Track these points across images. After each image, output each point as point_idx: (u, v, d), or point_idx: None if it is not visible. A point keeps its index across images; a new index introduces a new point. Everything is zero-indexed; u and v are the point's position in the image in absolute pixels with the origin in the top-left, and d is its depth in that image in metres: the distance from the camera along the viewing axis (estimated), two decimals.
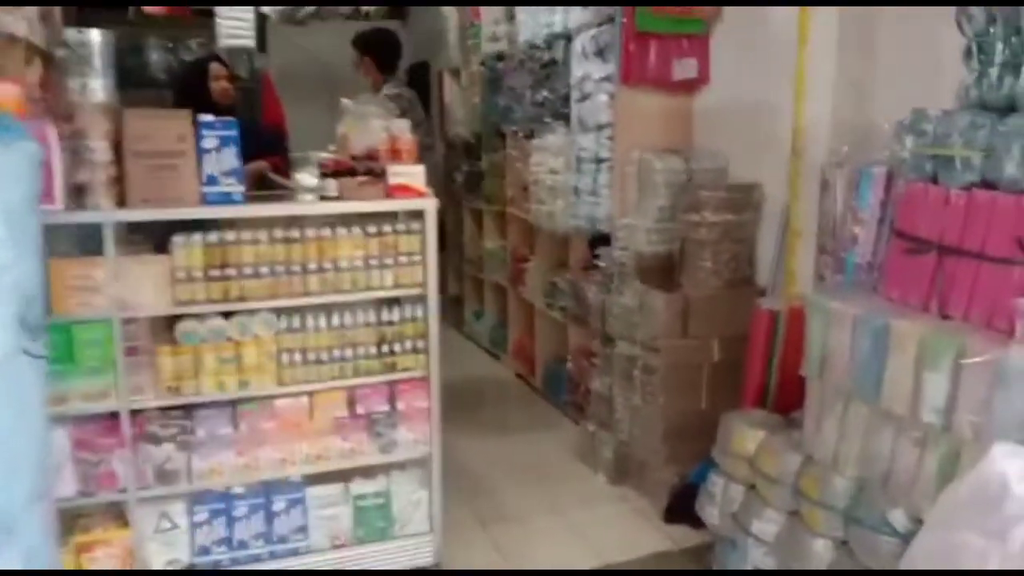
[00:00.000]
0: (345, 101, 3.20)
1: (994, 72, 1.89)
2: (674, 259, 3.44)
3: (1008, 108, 1.88)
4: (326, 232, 2.60)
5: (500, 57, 5.07)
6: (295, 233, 2.56)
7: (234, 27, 4.41)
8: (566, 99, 4.15)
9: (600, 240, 3.88)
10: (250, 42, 4.49)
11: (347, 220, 2.66)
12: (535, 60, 4.50)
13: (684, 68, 3.61)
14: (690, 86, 3.69)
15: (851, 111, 2.72)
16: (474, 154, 5.70)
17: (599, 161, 3.79)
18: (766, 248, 3.30)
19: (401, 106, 4.41)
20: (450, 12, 6.10)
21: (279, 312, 2.58)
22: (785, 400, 2.78)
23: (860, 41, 2.71)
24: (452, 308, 6.39)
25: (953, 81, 2.06)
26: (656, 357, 3.20)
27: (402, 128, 2.91)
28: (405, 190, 2.63)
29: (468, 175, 5.85)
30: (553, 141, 4.26)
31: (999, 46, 1.87)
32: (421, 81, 7.06)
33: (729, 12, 3.47)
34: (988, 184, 1.90)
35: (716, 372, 3.22)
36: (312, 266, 2.57)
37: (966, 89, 1.98)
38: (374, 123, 2.95)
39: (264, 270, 2.52)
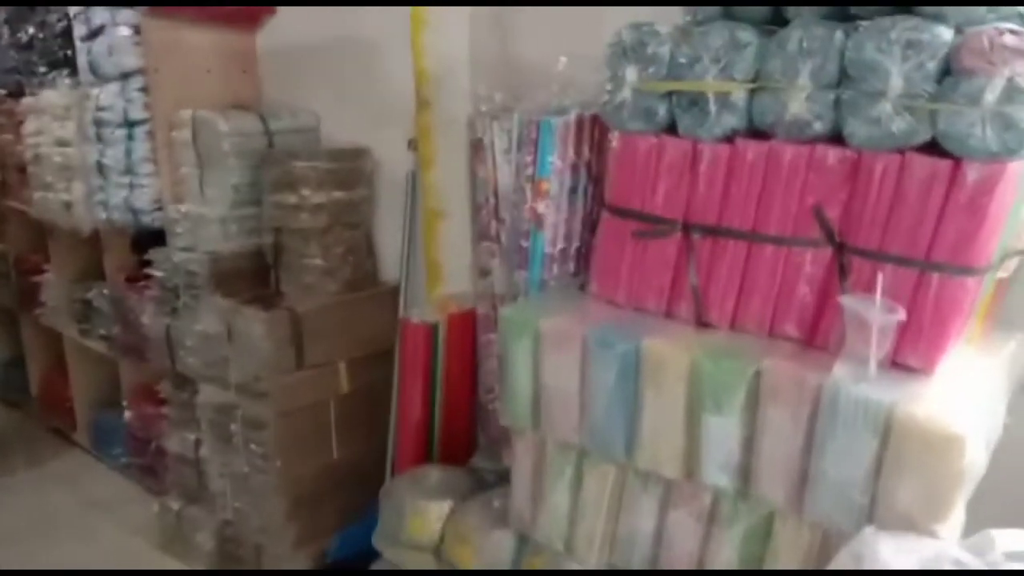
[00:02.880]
0: None
1: None
2: (265, 258, 2.47)
3: (774, 18, 1.31)
4: None
5: None
6: None
7: None
8: (67, 37, 2.85)
9: (150, 238, 2.73)
10: None
11: None
12: None
13: None
14: (251, 16, 2.69)
15: (495, 43, 2.00)
16: None
17: (131, 124, 2.60)
18: (389, 234, 2.51)
19: None
20: None
21: None
22: (458, 442, 2.06)
23: None
24: None
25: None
26: (263, 404, 2.23)
27: None
28: None
29: None
30: (55, 99, 2.92)
31: None
32: None
33: None
34: (757, 133, 1.32)
35: (347, 407, 2.37)
36: None
37: None
38: None
39: None
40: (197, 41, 2.61)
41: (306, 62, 2.65)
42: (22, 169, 3.29)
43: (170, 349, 2.54)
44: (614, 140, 1.49)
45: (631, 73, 1.40)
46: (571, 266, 1.75)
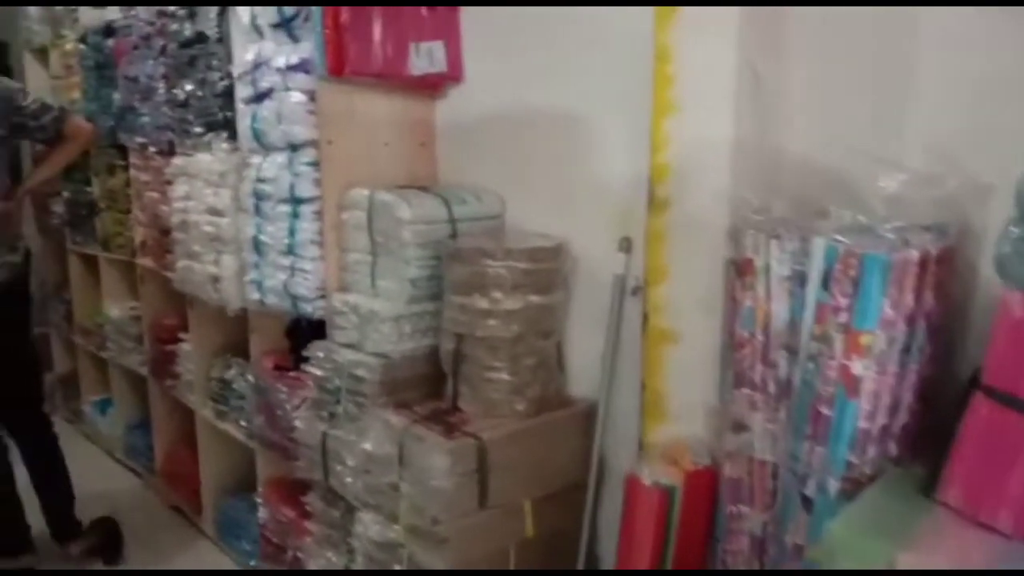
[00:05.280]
0: None
1: None
2: (442, 364, 2.12)
3: None
4: None
5: (110, 31, 3.30)
6: None
7: None
8: (228, 97, 2.61)
9: (307, 328, 2.43)
10: None
11: None
12: (169, 35, 2.86)
13: (427, 57, 2.29)
14: (433, 84, 2.39)
15: (770, 133, 1.60)
16: (79, 175, 3.82)
17: (297, 201, 2.32)
18: (582, 344, 2.13)
19: None
20: None
21: None
22: None
23: (773, 14, 1.61)
24: (64, 393, 4.42)
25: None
26: (438, 551, 1.86)
27: None
28: None
29: (72, 205, 3.94)
30: (210, 164, 2.68)
31: None
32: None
33: None
34: None
35: (529, 555, 1.98)
36: None
37: None
38: None
39: None
40: (375, 110, 2.33)
41: (490, 136, 2.33)
42: (166, 231, 3.08)
43: (324, 461, 2.21)
44: (1013, 304, 1.06)
45: None
46: (892, 447, 1.31)
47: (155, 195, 3.16)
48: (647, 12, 1.71)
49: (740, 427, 1.55)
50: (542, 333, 2.04)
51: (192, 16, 2.72)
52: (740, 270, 1.52)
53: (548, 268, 2.02)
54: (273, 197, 2.37)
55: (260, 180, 2.40)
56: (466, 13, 2.31)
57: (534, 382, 2.03)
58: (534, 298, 1.99)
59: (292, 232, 2.33)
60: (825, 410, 1.33)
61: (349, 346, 2.20)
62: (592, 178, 2.07)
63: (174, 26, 2.82)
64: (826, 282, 1.33)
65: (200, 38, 2.69)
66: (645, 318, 1.80)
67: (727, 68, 1.63)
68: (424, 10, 2.26)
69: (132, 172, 3.33)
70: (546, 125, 2.16)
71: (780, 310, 1.46)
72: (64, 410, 4.39)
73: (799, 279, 1.43)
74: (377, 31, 2.19)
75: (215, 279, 2.71)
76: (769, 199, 1.52)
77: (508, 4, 2.19)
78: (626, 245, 1.97)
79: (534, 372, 2.03)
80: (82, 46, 3.52)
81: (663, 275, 1.75)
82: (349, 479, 2.11)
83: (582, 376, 2.15)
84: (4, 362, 2.77)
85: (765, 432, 1.51)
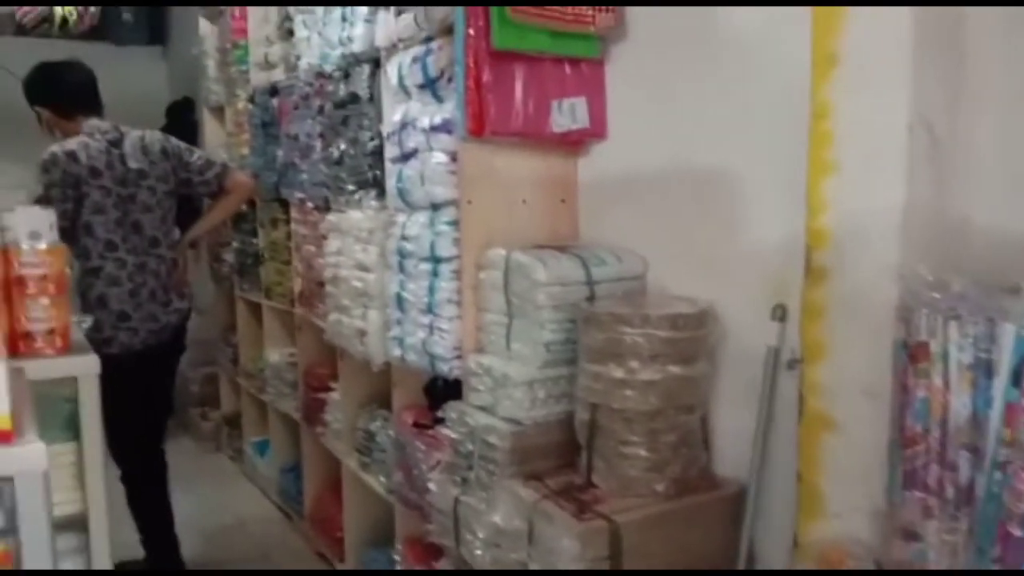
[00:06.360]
0: None
1: None
2: (576, 434, 2.01)
3: None
4: None
5: (275, 91, 3.49)
6: None
7: None
8: (377, 156, 2.67)
9: (445, 386, 2.40)
10: None
11: None
12: (326, 96, 2.97)
13: (569, 114, 2.23)
14: (575, 141, 2.32)
15: (948, 201, 1.40)
16: (247, 226, 4.05)
17: (437, 260, 2.31)
18: (729, 420, 1.97)
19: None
20: (209, 31, 4.45)
21: None
22: None
23: (949, 62, 1.42)
24: (229, 432, 4.66)
25: None
26: None
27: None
28: None
29: (240, 255, 4.18)
30: (360, 221, 2.74)
31: None
32: (185, 124, 5.35)
33: (640, 19, 2.14)
34: None
35: None
36: None
37: None
38: None
39: None
40: (515, 168, 2.28)
41: (634, 193, 2.23)
42: (320, 283, 3.18)
43: (456, 528, 2.15)
44: None
45: None
46: None
47: (312, 248, 3.28)
48: (803, 64, 1.57)
49: (911, 535, 1.34)
50: (684, 407, 1.89)
51: (347, 77, 2.81)
52: (912, 355, 1.33)
53: (691, 336, 1.87)
54: (415, 255, 2.37)
55: (404, 238, 2.41)
56: (611, 69, 2.24)
57: (675, 460, 1.88)
58: (675, 369, 1.85)
59: (432, 291, 2.32)
60: (1016, 531, 1.12)
61: (482, 409, 2.14)
62: (742, 239, 1.92)
63: (330, 87, 2.92)
64: (1017, 378, 1.13)
65: (353, 98, 2.77)
66: (801, 399, 1.62)
67: (895, 125, 1.45)
68: (567, 66, 2.21)
69: (293, 226, 3.47)
70: (693, 183, 2.04)
71: (961, 404, 1.26)
72: (228, 448, 4.63)
73: (984, 369, 1.23)
74: (519, 89, 2.15)
75: (362, 333, 2.75)
76: (946, 274, 1.32)
77: (655, 58, 2.10)
78: (780, 313, 1.80)
79: (675, 449, 1.88)
80: (251, 105, 3.75)
81: (821, 353, 1.57)
82: (479, 551, 2.04)
83: (730, 455, 1.98)
84: (156, 400, 2.99)
85: (942, 544, 1.30)
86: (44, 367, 1.41)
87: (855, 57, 1.51)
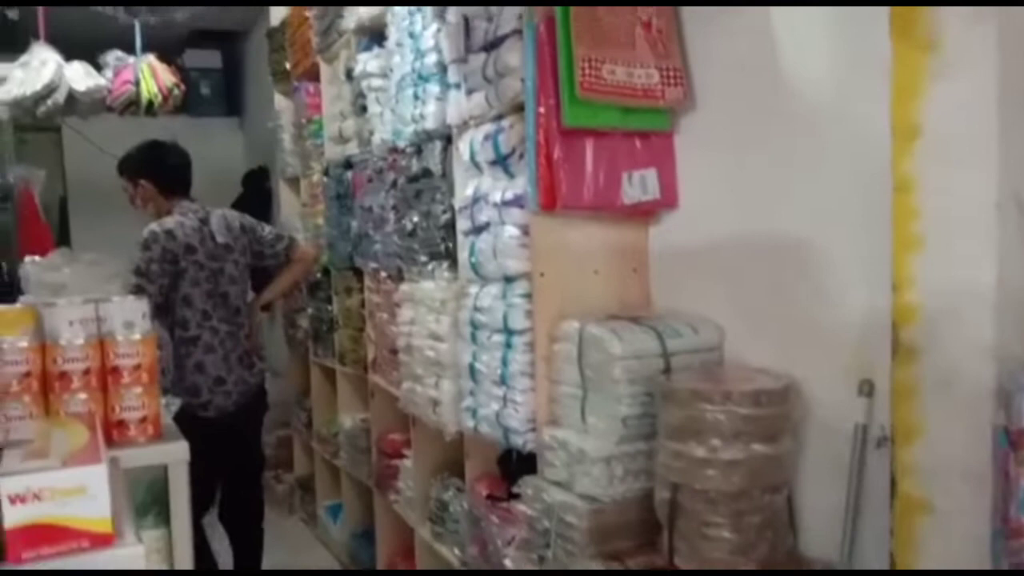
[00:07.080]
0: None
1: None
2: (656, 512, 1.97)
3: None
4: None
5: (349, 164, 3.60)
6: None
7: None
8: (450, 229, 2.71)
9: (519, 459, 2.39)
10: None
11: None
12: (399, 170, 3.05)
13: (640, 185, 2.23)
14: (646, 211, 2.32)
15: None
16: (322, 294, 4.15)
17: (510, 332, 2.32)
18: (815, 498, 1.90)
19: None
20: (284, 105, 4.64)
21: None
22: None
23: None
24: (302, 495, 4.71)
25: None
26: None
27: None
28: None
29: (315, 321, 4.28)
30: (432, 291, 2.78)
31: None
32: (261, 192, 5.56)
33: (709, 90, 2.15)
34: None
35: None
36: None
37: None
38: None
39: None
40: (586, 240, 2.29)
41: (708, 262, 2.21)
42: (393, 351, 3.22)
43: None
44: None
45: None
46: None
47: (385, 316, 3.33)
48: (879, 134, 1.54)
49: None
50: (769, 487, 1.84)
51: (419, 152, 2.89)
52: (1014, 442, 1.27)
53: (774, 413, 1.83)
54: (488, 327, 2.39)
55: (477, 309, 2.43)
56: (681, 139, 2.25)
57: (761, 542, 1.82)
58: (759, 447, 1.80)
59: (505, 362, 2.33)
60: None
61: (559, 484, 2.12)
62: (823, 311, 1.87)
63: (403, 162, 3.00)
64: None
65: (426, 173, 2.84)
66: (893, 481, 1.56)
67: (983, 199, 1.41)
68: (637, 139, 2.22)
69: (366, 294, 3.54)
70: (770, 252, 2.01)
71: None
72: (301, 511, 4.67)
73: None
74: (589, 163, 2.17)
75: (435, 402, 2.76)
76: None
77: (727, 127, 2.10)
78: (867, 389, 1.74)
79: (761, 531, 1.82)
80: (326, 178, 3.87)
81: (915, 434, 1.52)
82: None
83: (817, 535, 1.90)
84: (250, 451, 3.28)
85: None
86: (137, 455, 1.45)
87: (938, 128, 1.48)
